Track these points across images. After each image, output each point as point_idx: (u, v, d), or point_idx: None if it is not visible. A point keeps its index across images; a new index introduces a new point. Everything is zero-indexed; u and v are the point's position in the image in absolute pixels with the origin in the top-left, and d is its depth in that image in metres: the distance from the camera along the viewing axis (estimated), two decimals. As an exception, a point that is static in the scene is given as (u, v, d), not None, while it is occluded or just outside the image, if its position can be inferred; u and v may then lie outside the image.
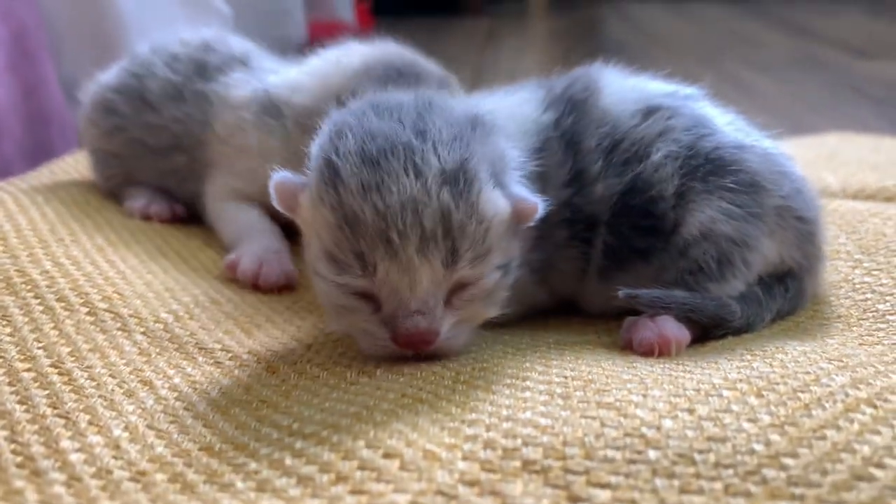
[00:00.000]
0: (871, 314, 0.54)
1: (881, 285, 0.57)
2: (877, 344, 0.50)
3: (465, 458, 0.35)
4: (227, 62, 0.72)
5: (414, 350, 0.44)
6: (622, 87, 0.54)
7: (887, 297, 0.55)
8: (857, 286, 0.58)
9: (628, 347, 0.50)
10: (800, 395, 0.38)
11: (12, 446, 0.38)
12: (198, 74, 0.72)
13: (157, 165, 0.74)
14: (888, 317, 0.53)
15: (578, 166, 0.51)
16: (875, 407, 0.37)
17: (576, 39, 2.31)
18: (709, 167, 0.50)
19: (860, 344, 0.50)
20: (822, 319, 0.55)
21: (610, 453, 0.34)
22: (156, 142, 0.73)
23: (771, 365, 0.43)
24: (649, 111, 0.53)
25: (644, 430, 0.36)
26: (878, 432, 0.35)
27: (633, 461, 0.34)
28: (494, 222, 0.43)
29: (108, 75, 0.78)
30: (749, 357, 0.46)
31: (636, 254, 0.52)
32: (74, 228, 0.67)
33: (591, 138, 0.51)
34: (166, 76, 0.72)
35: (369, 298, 0.44)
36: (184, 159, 0.73)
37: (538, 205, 0.45)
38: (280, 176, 0.46)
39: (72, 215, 0.70)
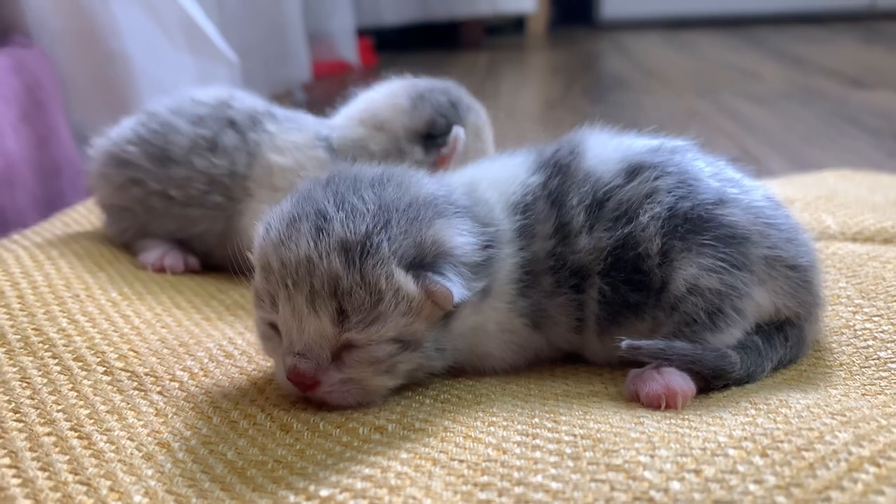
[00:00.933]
0: (872, 361, 0.55)
1: (882, 332, 0.58)
2: (879, 394, 0.50)
3: (478, 525, 0.36)
4: (253, 113, 0.78)
5: (300, 389, 0.49)
6: (605, 149, 0.57)
7: (888, 344, 0.56)
8: (859, 332, 0.59)
9: (634, 399, 0.51)
10: (804, 453, 0.39)
11: (36, 516, 0.39)
12: (229, 127, 0.77)
13: (184, 213, 0.77)
14: (889, 365, 0.54)
15: (561, 220, 0.55)
16: (878, 466, 0.38)
17: (574, 73, 2.35)
18: (687, 226, 0.53)
19: (863, 394, 0.51)
20: (825, 367, 0.56)
21: (620, 518, 0.35)
22: (183, 192, 0.76)
23: (775, 420, 0.44)
24: (633, 169, 0.55)
25: (652, 493, 0.37)
26: (882, 492, 0.36)
27: (642, 526, 0.35)
28: (389, 296, 0.47)
29: (121, 129, 0.80)
30: (753, 411, 0.47)
31: (629, 309, 0.54)
32: (89, 282, 0.68)
33: (574, 196, 0.55)
34: (195, 132, 0.77)
35: (278, 331, 0.50)
36: (220, 198, 0.76)
37: (451, 292, 0.47)
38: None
39: (86, 268, 0.72)
